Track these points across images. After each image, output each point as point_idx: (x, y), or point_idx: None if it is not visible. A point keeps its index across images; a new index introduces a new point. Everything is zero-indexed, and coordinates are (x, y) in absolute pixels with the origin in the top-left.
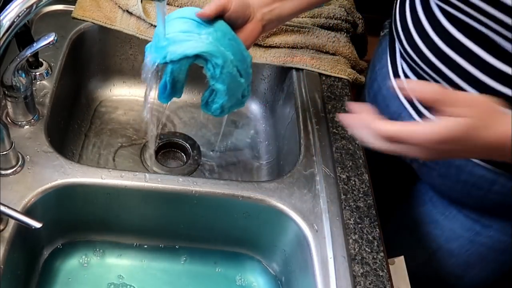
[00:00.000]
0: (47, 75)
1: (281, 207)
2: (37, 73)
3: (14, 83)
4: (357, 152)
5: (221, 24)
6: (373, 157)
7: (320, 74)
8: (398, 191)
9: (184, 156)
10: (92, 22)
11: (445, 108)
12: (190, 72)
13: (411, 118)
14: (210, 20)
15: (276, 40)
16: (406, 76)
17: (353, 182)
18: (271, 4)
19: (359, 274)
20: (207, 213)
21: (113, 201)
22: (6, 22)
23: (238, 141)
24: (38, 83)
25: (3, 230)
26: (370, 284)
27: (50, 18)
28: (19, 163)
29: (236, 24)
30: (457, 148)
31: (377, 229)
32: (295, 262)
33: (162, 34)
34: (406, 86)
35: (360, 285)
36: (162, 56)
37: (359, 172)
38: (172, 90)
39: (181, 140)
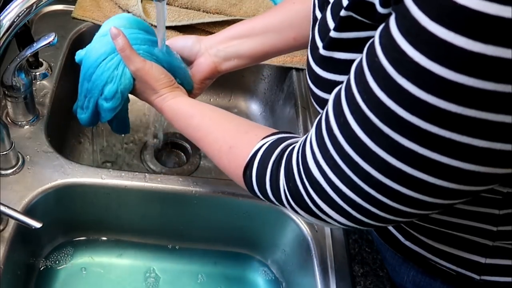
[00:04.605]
0: (47, 75)
1: (281, 207)
2: (37, 73)
3: (14, 83)
4: None
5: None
6: None
7: None
8: None
9: (184, 156)
10: (92, 22)
11: None
12: None
13: None
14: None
15: None
16: None
17: None
18: (228, 41)
19: (359, 274)
20: (207, 213)
21: (113, 201)
22: (6, 22)
23: None
24: (38, 83)
25: (3, 230)
26: (370, 284)
27: (50, 18)
28: (19, 163)
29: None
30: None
31: None
32: (295, 262)
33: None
34: None
35: (360, 285)
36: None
37: None
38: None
39: (181, 140)
